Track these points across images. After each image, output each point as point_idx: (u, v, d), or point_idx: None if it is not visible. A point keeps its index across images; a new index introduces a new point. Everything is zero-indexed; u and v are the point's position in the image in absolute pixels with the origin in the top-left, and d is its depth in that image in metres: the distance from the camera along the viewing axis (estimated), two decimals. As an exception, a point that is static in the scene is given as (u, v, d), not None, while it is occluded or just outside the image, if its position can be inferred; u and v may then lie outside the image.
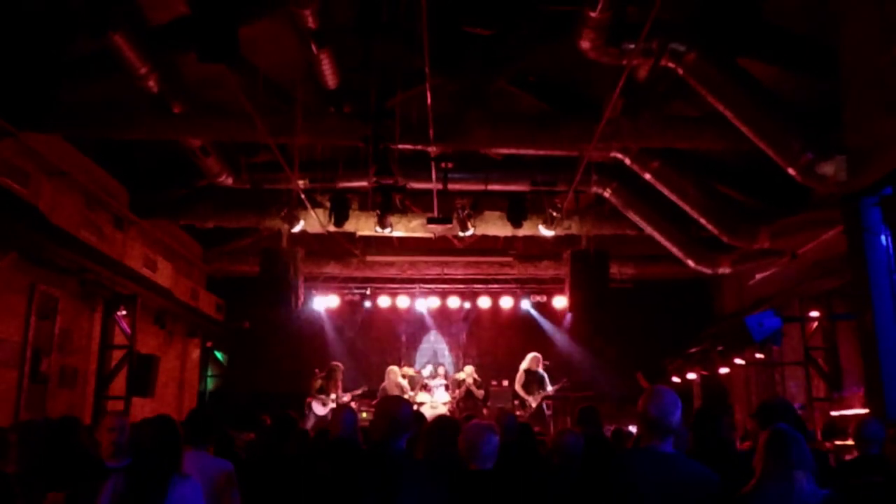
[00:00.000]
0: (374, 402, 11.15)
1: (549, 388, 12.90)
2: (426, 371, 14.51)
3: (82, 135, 9.06)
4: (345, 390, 13.12)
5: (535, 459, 5.74)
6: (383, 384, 13.31)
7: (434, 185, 9.90)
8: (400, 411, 3.62)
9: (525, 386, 13.01)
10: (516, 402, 13.26)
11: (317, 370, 13.21)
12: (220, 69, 6.55)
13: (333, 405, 12.43)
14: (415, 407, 11.01)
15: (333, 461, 3.90)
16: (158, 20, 7.52)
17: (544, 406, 12.97)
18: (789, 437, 3.26)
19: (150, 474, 3.59)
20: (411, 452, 3.92)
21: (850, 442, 6.72)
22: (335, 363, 13.38)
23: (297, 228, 11.17)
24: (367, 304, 15.76)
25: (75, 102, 8.39)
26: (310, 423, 12.05)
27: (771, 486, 3.18)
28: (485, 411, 12.86)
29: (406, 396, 12.72)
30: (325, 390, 12.80)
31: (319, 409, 12.60)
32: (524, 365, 13.21)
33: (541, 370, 13.14)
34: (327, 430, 5.83)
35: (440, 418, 4.38)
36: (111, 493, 3.49)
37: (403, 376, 13.68)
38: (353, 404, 12.17)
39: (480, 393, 13.53)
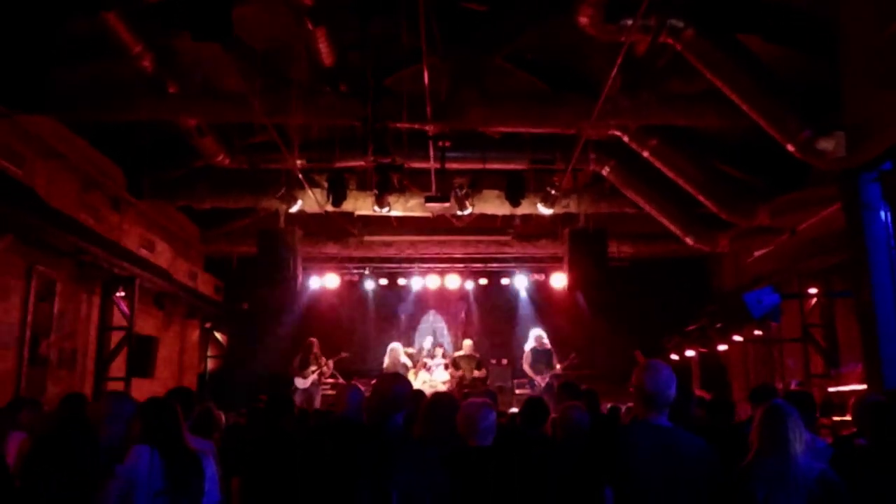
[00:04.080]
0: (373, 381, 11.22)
1: (558, 366, 12.83)
2: (426, 348, 14.52)
3: (77, 116, 8.99)
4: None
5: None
6: (386, 362, 13.32)
7: (432, 164, 9.84)
8: (391, 389, 3.63)
9: (533, 365, 12.92)
10: (522, 381, 13.25)
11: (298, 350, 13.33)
12: (215, 48, 6.50)
13: (315, 377, 12.73)
14: (414, 386, 11.14)
15: (335, 439, 3.91)
16: (152, -1, 7.45)
17: (554, 383, 12.88)
18: (784, 412, 3.27)
19: (183, 451, 3.70)
20: (409, 430, 3.93)
21: (847, 417, 6.76)
22: (309, 339, 13.40)
23: (294, 209, 11.16)
24: (366, 283, 15.79)
25: (70, 84, 8.31)
26: (297, 399, 12.17)
27: (767, 460, 3.20)
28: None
29: (408, 375, 12.74)
30: (305, 365, 12.89)
31: (301, 384, 12.72)
32: (529, 344, 13.15)
33: (547, 346, 13.09)
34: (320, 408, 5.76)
35: (437, 395, 4.39)
36: (149, 470, 3.53)
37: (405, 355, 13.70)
38: (356, 382, 12.24)
39: (482, 373, 13.43)
